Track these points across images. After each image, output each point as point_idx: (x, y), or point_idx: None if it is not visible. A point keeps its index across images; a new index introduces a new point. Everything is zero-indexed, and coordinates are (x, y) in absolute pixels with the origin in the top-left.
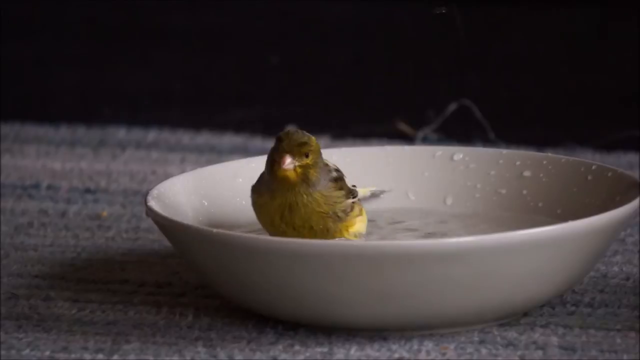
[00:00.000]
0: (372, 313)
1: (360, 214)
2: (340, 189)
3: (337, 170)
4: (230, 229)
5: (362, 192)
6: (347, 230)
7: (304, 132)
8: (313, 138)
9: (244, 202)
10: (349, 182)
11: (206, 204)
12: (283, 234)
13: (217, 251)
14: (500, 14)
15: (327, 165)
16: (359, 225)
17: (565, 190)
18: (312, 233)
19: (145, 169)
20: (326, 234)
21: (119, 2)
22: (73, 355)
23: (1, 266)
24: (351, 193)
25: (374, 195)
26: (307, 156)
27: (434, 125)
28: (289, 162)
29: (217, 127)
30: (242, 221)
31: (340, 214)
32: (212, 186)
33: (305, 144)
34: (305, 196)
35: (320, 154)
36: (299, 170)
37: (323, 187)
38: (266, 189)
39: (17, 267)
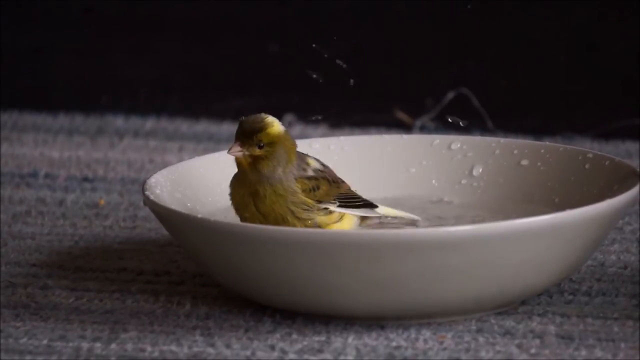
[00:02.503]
0: (370, 302)
1: (340, 220)
2: (313, 189)
3: (322, 170)
4: (227, 218)
5: (386, 211)
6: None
7: (267, 118)
8: (274, 128)
9: None
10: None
11: (204, 192)
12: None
13: (214, 240)
14: (498, 2)
15: (305, 161)
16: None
17: (563, 178)
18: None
19: (143, 157)
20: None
21: None
22: (71, 344)
23: None
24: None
25: (397, 221)
26: (260, 147)
27: (432, 113)
28: (234, 150)
29: (215, 115)
30: None
31: (298, 213)
32: (210, 175)
33: (255, 132)
34: (264, 187)
35: (289, 147)
36: (248, 159)
37: (284, 181)
38: (235, 178)
39: (15, 256)
